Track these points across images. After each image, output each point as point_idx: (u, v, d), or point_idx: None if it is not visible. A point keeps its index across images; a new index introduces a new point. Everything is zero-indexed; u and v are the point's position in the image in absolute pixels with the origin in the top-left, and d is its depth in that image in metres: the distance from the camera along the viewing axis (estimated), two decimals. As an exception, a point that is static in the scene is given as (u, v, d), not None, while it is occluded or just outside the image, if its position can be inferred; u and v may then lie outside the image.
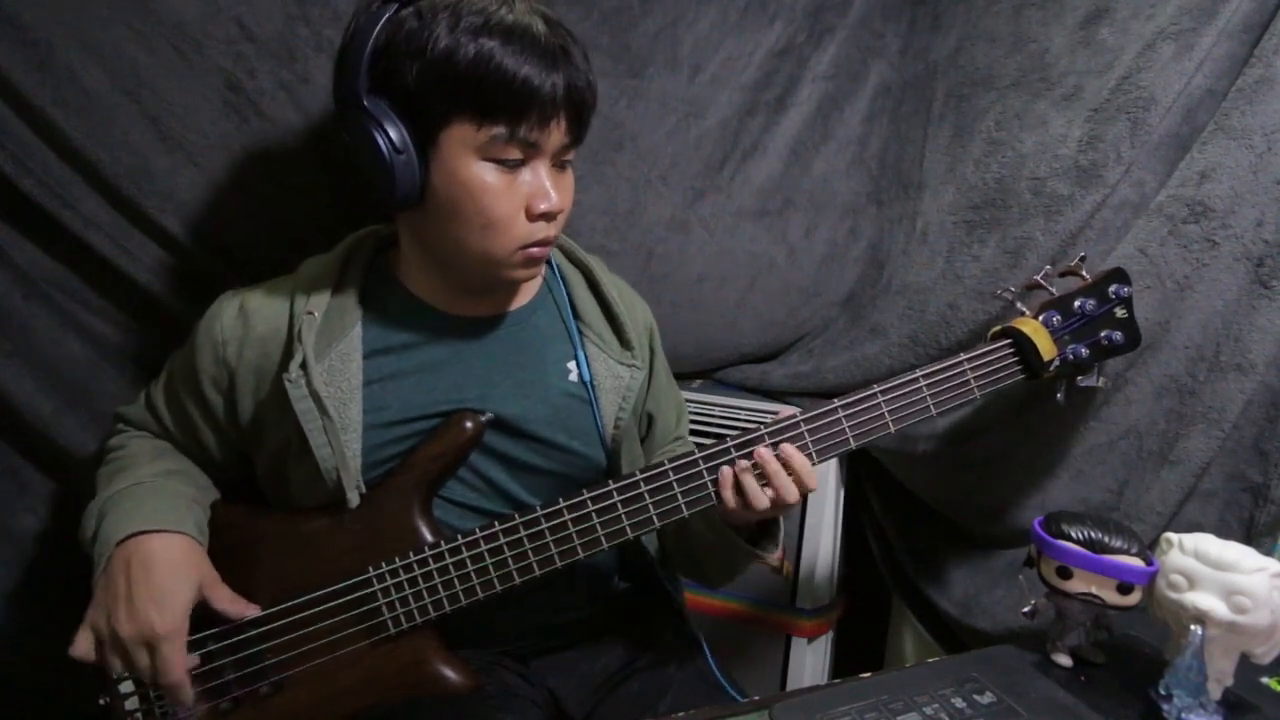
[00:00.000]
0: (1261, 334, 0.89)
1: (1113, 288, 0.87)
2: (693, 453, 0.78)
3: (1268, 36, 0.89)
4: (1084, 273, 0.89)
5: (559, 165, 0.78)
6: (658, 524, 0.78)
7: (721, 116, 1.15)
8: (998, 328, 0.89)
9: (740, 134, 1.16)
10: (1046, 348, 0.85)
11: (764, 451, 0.76)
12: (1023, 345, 0.85)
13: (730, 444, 0.78)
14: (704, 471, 0.78)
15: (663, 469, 0.77)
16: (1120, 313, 0.88)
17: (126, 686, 0.76)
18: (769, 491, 0.75)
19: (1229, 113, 0.91)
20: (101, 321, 0.98)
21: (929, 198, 1.16)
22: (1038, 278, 0.89)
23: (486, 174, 0.73)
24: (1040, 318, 0.87)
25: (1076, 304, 0.87)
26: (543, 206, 0.75)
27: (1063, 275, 0.90)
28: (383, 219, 0.90)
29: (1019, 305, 0.89)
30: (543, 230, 0.77)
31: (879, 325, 1.16)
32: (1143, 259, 0.96)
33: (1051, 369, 0.86)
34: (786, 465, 0.76)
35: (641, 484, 0.77)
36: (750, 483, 0.75)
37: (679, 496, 0.78)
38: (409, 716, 0.79)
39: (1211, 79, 0.92)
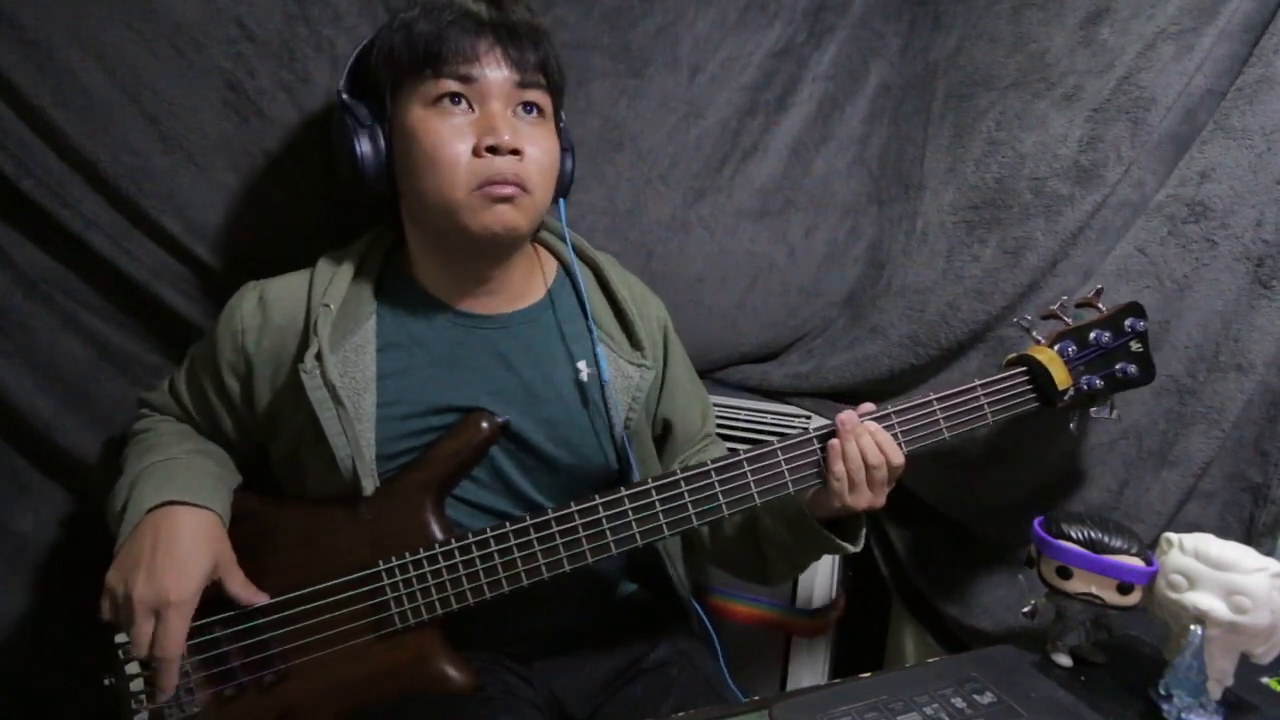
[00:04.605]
0: (1261, 334, 0.89)
1: (1128, 321, 0.87)
2: (706, 463, 0.78)
3: (1267, 36, 0.89)
4: (1100, 305, 0.89)
5: (528, 110, 0.80)
6: (668, 533, 0.78)
7: (721, 116, 1.14)
8: (1013, 355, 0.89)
9: (740, 134, 1.16)
10: (1061, 378, 0.85)
11: (850, 414, 0.78)
12: (1038, 374, 0.85)
13: (742, 456, 0.79)
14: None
15: (674, 478, 0.78)
16: (1135, 346, 0.88)
17: (133, 668, 0.76)
18: (871, 457, 0.76)
19: (1229, 113, 0.91)
20: (101, 321, 0.98)
21: (929, 198, 1.16)
22: (1054, 308, 0.89)
23: (431, 119, 0.77)
24: (1056, 347, 0.86)
25: (1092, 335, 0.86)
26: (489, 139, 0.76)
27: (1079, 306, 0.90)
28: (383, 215, 0.90)
29: (1034, 334, 0.89)
30: (496, 165, 0.76)
31: (879, 325, 1.16)
32: (1142, 259, 0.96)
33: (1066, 399, 0.86)
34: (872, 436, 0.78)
35: (653, 492, 0.78)
36: (853, 449, 0.76)
37: (690, 507, 0.78)
38: (410, 715, 0.79)
39: (1211, 79, 0.92)
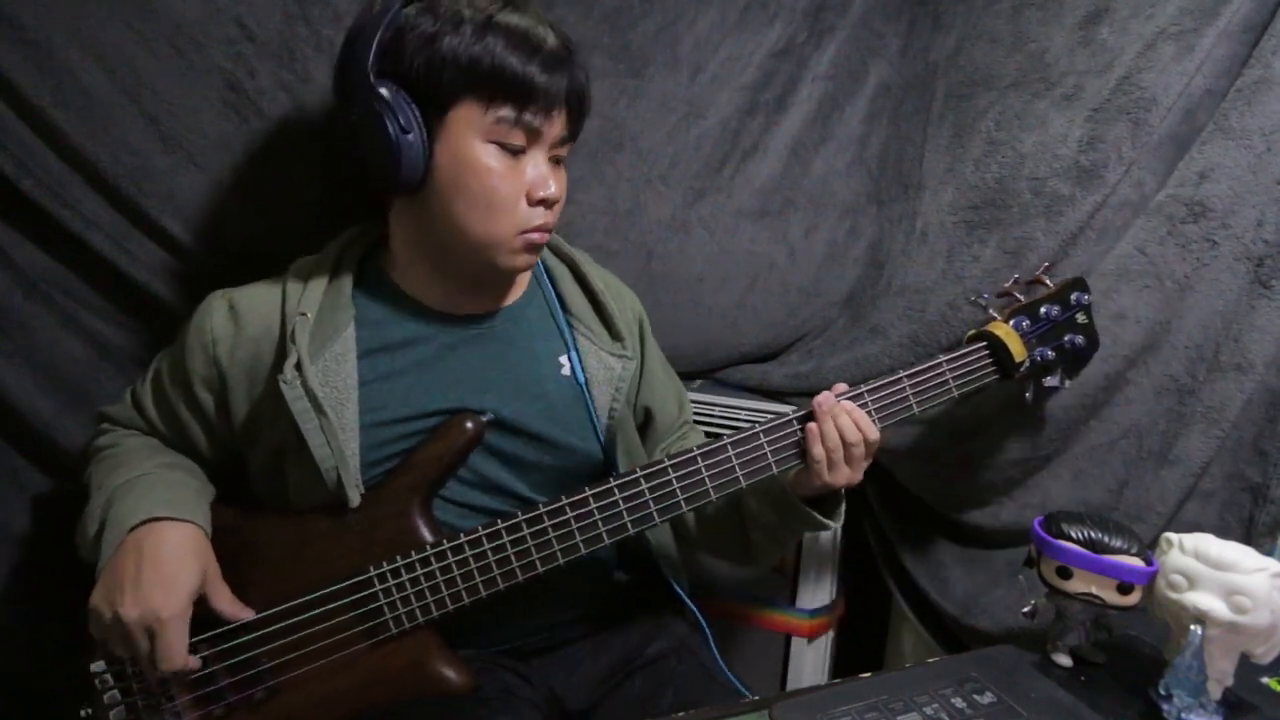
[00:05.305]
0: (1261, 334, 0.90)
1: (1074, 295, 0.93)
2: (692, 450, 0.80)
3: (1267, 37, 0.89)
4: (1048, 280, 0.94)
5: (554, 161, 0.81)
6: (659, 520, 0.80)
7: (721, 116, 1.14)
8: (973, 331, 0.94)
9: (740, 134, 1.16)
10: (1018, 350, 0.90)
11: (826, 396, 0.82)
12: (997, 348, 0.90)
13: (727, 441, 0.81)
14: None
15: (661, 465, 0.79)
16: (1081, 318, 0.94)
17: (111, 696, 0.75)
18: (848, 433, 0.80)
19: (1228, 113, 0.91)
20: (101, 321, 0.98)
21: (929, 198, 1.16)
22: (1008, 285, 0.95)
23: (491, 157, 0.76)
24: (1011, 322, 0.91)
25: (1043, 310, 0.92)
26: (542, 193, 0.78)
27: (1030, 283, 0.95)
28: (381, 215, 0.90)
29: (991, 311, 0.94)
30: (541, 216, 0.80)
31: (879, 325, 1.16)
32: (1142, 259, 0.96)
33: (1023, 370, 0.91)
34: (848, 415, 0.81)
35: (642, 480, 0.79)
36: (830, 430, 0.80)
37: (679, 493, 0.80)
38: (408, 719, 0.78)
39: (1211, 79, 0.92)
